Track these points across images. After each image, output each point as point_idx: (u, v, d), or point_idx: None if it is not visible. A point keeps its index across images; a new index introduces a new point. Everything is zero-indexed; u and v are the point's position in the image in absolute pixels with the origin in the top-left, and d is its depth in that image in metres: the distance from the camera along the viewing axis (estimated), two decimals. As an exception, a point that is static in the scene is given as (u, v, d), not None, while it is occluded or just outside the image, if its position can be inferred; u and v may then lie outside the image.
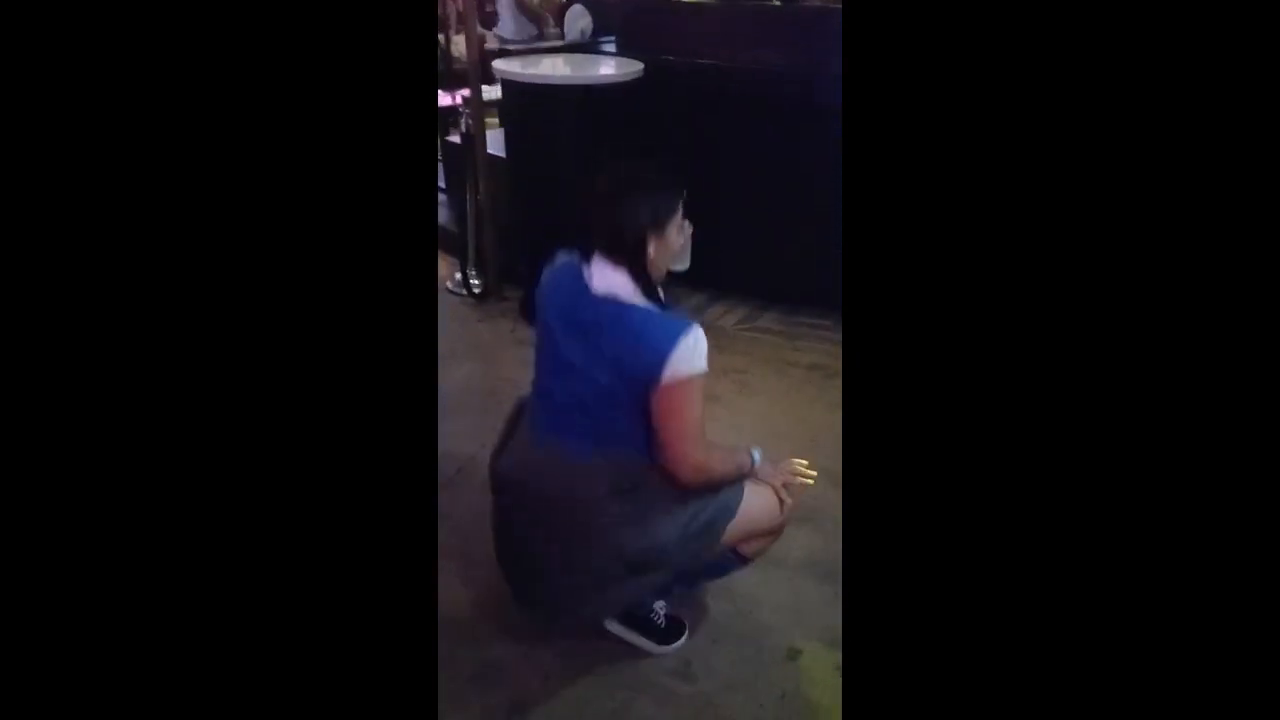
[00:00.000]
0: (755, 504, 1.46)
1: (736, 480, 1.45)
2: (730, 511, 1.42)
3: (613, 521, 1.37)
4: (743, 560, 1.55)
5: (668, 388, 1.30)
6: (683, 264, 1.44)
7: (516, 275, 3.03)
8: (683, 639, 1.58)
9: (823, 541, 1.84)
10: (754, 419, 2.35)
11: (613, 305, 1.33)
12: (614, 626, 1.57)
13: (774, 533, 1.53)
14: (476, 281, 3.15)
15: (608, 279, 1.33)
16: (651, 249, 1.32)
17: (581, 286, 1.35)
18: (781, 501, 1.47)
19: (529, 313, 2.87)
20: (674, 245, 1.36)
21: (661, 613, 1.59)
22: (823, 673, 1.53)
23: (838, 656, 1.54)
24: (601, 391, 1.35)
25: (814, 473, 1.53)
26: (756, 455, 1.49)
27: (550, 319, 1.40)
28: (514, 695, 1.48)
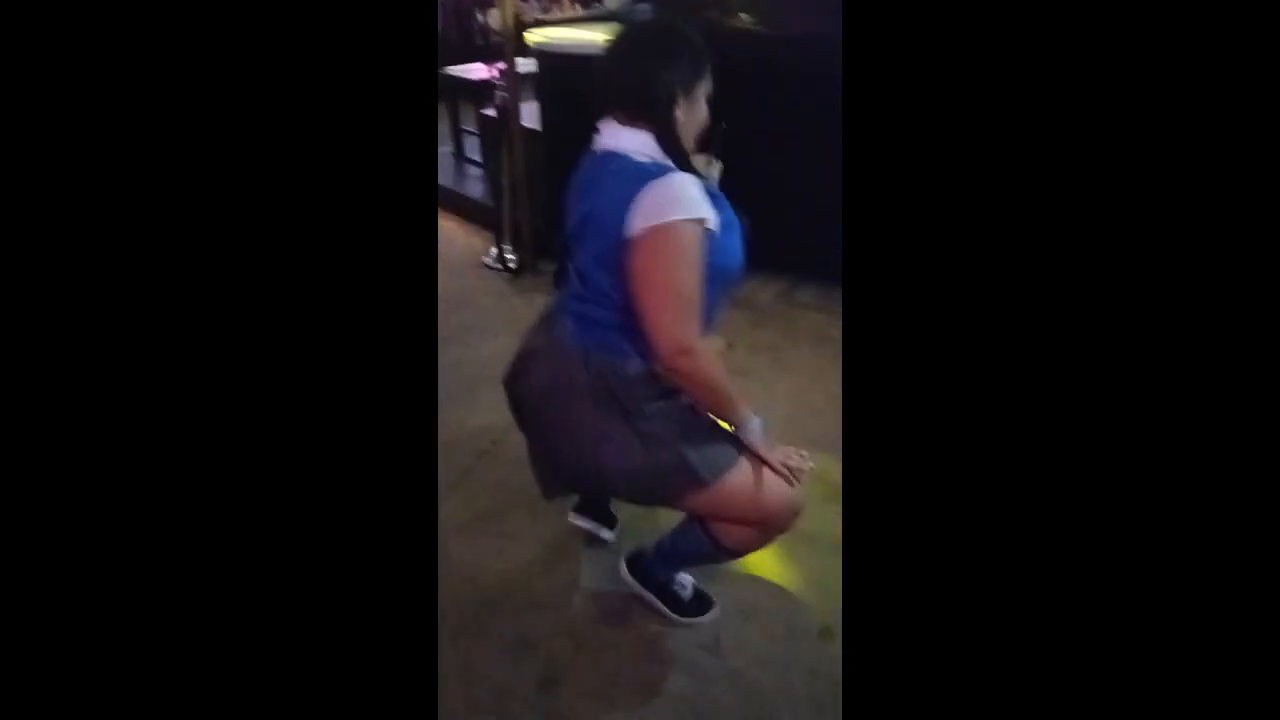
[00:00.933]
0: (740, 480, 1.24)
1: (729, 414, 1.26)
2: (697, 475, 1.21)
3: (574, 428, 1.24)
4: (721, 549, 1.37)
5: (636, 240, 1.10)
6: (711, 177, 1.30)
7: (552, 249, 3.03)
8: (707, 615, 1.58)
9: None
10: (790, 396, 2.32)
11: (611, 159, 1.17)
12: (640, 590, 1.58)
13: (762, 525, 1.31)
14: (512, 256, 3.16)
15: (616, 138, 1.19)
16: (680, 113, 1.17)
17: (589, 150, 1.24)
18: (791, 481, 1.28)
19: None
20: (700, 115, 1.22)
21: (689, 585, 1.59)
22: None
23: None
24: (593, 264, 1.19)
25: (811, 462, 1.33)
26: (757, 423, 1.27)
27: (568, 202, 1.28)
28: (545, 667, 1.50)
